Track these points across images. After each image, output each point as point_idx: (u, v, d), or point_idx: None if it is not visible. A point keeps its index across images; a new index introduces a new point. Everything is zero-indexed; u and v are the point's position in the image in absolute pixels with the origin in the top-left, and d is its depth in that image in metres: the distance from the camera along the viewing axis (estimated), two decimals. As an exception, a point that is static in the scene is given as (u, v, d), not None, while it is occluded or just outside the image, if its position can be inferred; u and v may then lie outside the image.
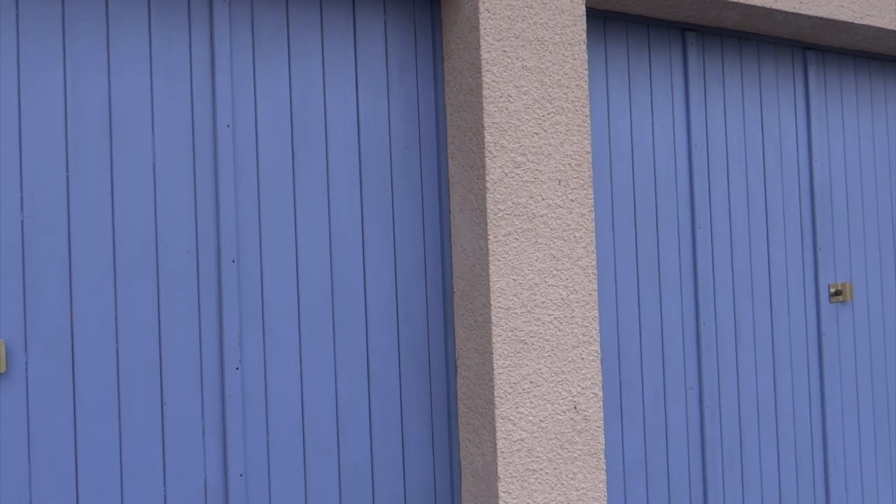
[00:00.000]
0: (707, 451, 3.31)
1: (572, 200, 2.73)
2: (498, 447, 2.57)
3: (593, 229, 2.78)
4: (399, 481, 2.67)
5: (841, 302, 3.76)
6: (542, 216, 2.68)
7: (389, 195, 2.71)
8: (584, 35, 2.81)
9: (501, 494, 2.57)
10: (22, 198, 2.21)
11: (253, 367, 2.46)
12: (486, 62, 2.62)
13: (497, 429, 2.57)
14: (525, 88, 2.68)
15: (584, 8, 2.81)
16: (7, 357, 2.16)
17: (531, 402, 2.63)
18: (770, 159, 3.61)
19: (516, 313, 2.62)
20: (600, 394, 2.76)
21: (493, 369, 2.58)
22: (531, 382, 2.63)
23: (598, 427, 2.75)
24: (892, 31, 3.64)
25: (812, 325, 3.67)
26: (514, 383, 2.61)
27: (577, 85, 2.77)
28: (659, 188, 3.28)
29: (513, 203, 2.64)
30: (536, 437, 2.63)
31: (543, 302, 2.66)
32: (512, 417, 2.60)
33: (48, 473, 2.20)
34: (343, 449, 2.59)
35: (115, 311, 2.30)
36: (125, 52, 2.36)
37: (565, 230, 2.72)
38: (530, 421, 2.62)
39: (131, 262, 2.32)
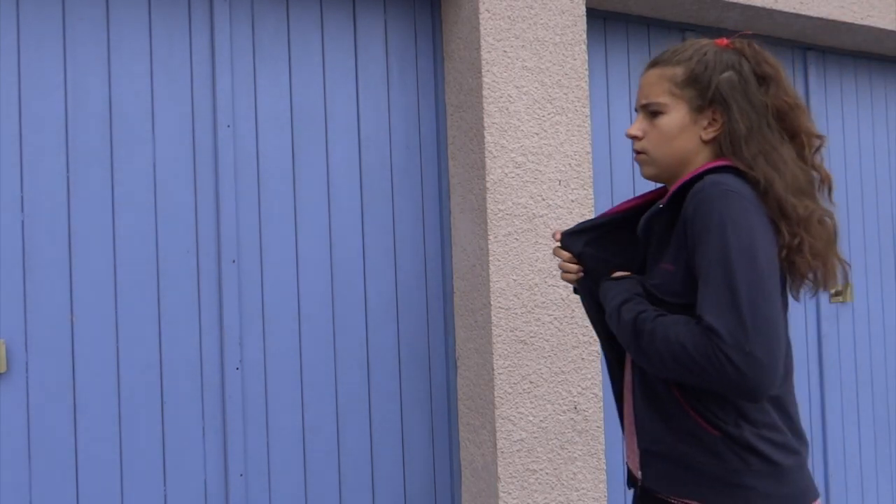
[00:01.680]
0: (707, 451, 3.30)
1: (572, 201, 2.73)
2: (498, 447, 2.57)
3: (593, 229, 2.78)
4: (399, 481, 2.67)
5: (841, 302, 3.76)
6: (542, 216, 2.68)
7: (389, 195, 2.71)
8: (585, 35, 2.81)
9: (501, 494, 2.57)
10: (22, 198, 2.21)
11: (253, 367, 2.46)
12: (487, 62, 2.62)
13: (497, 429, 2.57)
14: (525, 89, 2.68)
15: (584, 8, 2.81)
16: (7, 357, 2.16)
17: (531, 403, 2.63)
18: (770, 160, 3.60)
19: (516, 313, 2.62)
20: (601, 394, 2.76)
21: (493, 369, 2.58)
22: (531, 382, 2.63)
23: (598, 427, 2.75)
24: (892, 31, 3.64)
25: (812, 326, 3.67)
26: (514, 383, 2.61)
27: (578, 85, 2.77)
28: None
29: (513, 203, 2.63)
30: (536, 437, 2.63)
31: (543, 302, 2.66)
32: (512, 417, 2.60)
33: (48, 473, 2.20)
34: (343, 449, 2.59)
35: (115, 311, 2.30)
36: (125, 52, 2.36)
37: (565, 230, 2.72)
38: (530, 421, 2.62)
39: (131, 262, 2.32)
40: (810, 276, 1.52)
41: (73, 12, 2.30)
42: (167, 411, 2.35)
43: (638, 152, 1.63)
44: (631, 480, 1.70)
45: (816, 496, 1.52)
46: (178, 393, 2.36)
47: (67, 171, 2.27)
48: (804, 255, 1.49)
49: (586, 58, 2.80)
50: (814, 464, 3.64)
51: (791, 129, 1.61)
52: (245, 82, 2.51)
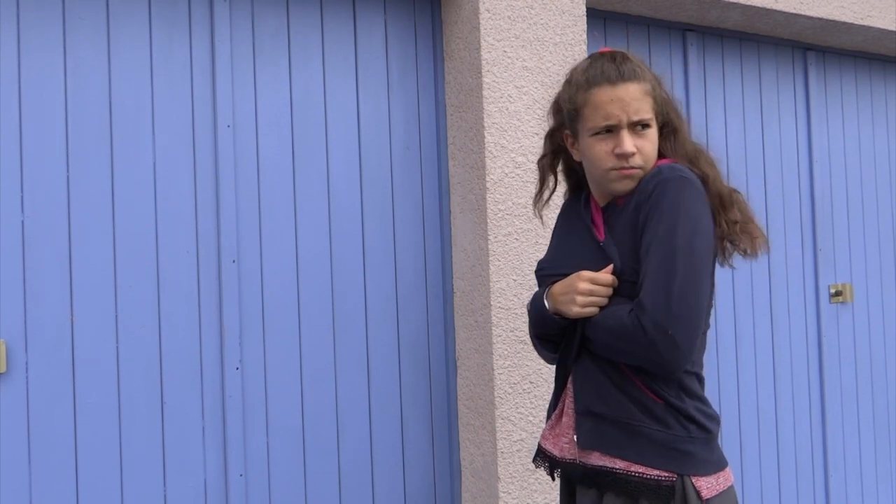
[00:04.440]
0: (707, 451, 3.30)
1: (572, 201, 2.73)
2: (498, 447, 2.57)
3: (593, 230, 2.77)
4: (399, 481, 2.67)
5: (841, 303, 3.76)
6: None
7: (389, 195, 2.70)
8: (585, 35, 2.81)
9: (501, 495, 2.57)
10: (22, 198, 2.21)
11: (253, 367, 2.46)
12: (487, 62, 2.62)
13: (497, 429, 2.57)
14: (525, 89, 2.68)
15: (584, 8, 2.81)
16: (7, 357, 2.16)
17: (531, 403, 2.63)
18: (770, 160, 3.61)
19: (516, 313, 2.62)
20: (600, 394, 2.76)
21: (493, 369, 2.58)
22: (531, 383, 2.63)
23: (598, 427, 2.75)
24: (892, 31, 3.64)
25: (812, 326, 3.67)
26: (514, 383, 2.61)
27: (578, 85, 2.77)
28: (659, 188, 3.28)
29: (513, 203, 2.63)
30: (536, 437, 2.63)
31: (543, 302, 2.66)
32: (512, 418, 2.60)
33: (48, 473, 2.20)
34: (343, 449, 2.59)
35: (115, 311, 2.30)
36: (125, 52, 2.35)
37: (565, 230, 2.72)
38: (530, 421, 2.62)
39: (131, 262, 2.32)
40: (744, 248, 1.71)
41: (73, 12, 2.30)
42: (167, 411, 2.35)
43: (633, 167, 1.68)
44: (553, 465, 1.80)
45: (728, 463, 1.69)
46: (178, 393, 2.36)
47: (67, 171, 2.26)
48: (741, 231, 1.69)
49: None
50: (814, 464, 3.64)
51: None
52: (245, 82, 2.51)
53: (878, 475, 3.86)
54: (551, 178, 1.93)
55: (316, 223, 2.58)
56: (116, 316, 2.30)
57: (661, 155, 1.75)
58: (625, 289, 1.65)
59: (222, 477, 2.41)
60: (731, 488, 1.66)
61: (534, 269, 2.66)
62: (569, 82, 1.76)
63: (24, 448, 2.18)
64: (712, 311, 1.74)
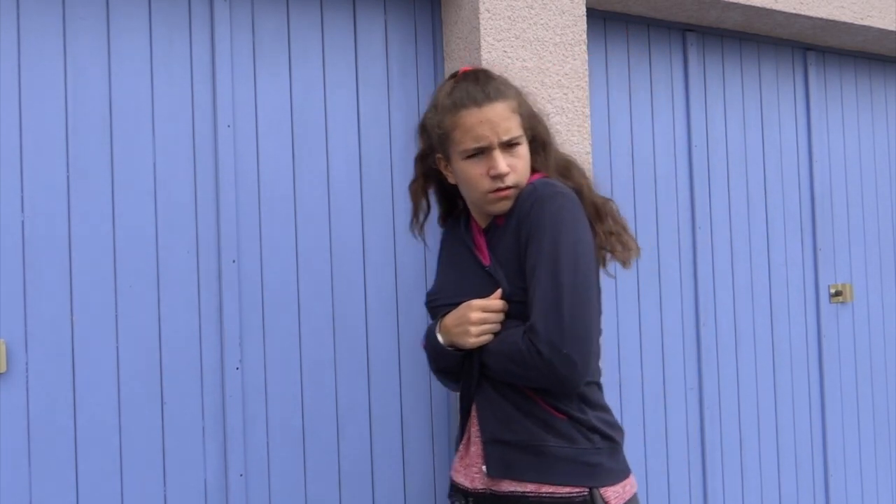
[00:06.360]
0: (707, 451, 3.31)
1: (572, 201, 2.73)
2: (498, 447, 2.57)
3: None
4: (399, 481, 2.67)
5: (841, 303, 3.76)
6: (542, 216, 2.68)
7: (390, 195, 2.70)
8: (585, 35, 2.81)
9: (501, 495, 2.57)
10: (22, 198, 2.21)
11: (253, 367, 2.46)
12: (487, 62, 2.61)
13: (497, 429, 2.57)
14: (525, 89, 2.68)
15: (584, 8, 2.81)
16: (7, 357, 2.16)
17: (531, 403, 2.63)
18: (770, 160, 3.61)
19: (516, 313, 2.61)
20: (600, 394, 2.76)
21: (493, 369, 2.57)
22: (531, 383, 2.63)
23: (597, 427, 2.74)
24: (892, 31, 3.64)
25: (812, 326, 3.67)
26: (514, 383, 2.61)
27: (578, 85, 2.77)
28: (659, 188, 3.28)
29: (513, 203, 2.63)
30: (536, 437, 2.63)
31: (543, 302, 2.65)
32: (512, 418, 2.59)
33: (48, 473, 2.20)
34: (343, 449, 2.59)
35: (115, 311, 2.30)
36: (125, 51, 2.35)
37: (565, 230, 2.72)
38: (530, 421, 2.62)
39: (131, 262, 2.32)
40: (620, 258, 1.75)
41: (73, 12, 2.30)
42: (167, 411, 2.35)
43: (510, 187, 1.67)
44: (458, 494, 1.77)
45: (632, 471, 1.71)
46: (178, 393, 2.36)
47: (67, 171, 2.26)
48: (617, 241, 1.72)
49: (586, 58, 2.80)
50: (814, 464, 3.64)
51: None
52: (245, 82, 2.51)
53: (878, 475, 3.87)
54: (423, 202, 1.92)
55: (316, 223, 2.58)
56: (116, 316, 2.30)
57: (533, 169, 1.74)
58: (516, 310, 1.64)
59: (222, 477, 2.41)
60: (635, 496, 1.67)
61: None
62: (435, 106, 1.74)
63: (24, 448, 2.18)
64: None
